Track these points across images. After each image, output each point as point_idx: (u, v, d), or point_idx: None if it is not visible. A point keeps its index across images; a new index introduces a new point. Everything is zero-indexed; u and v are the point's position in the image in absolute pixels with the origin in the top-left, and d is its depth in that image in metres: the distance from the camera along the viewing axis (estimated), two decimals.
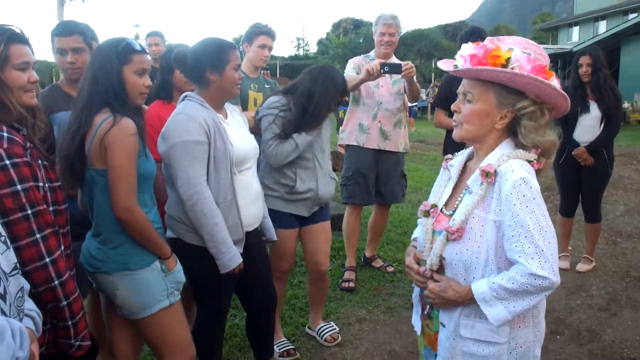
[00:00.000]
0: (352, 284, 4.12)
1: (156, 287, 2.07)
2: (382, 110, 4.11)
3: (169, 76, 2.83)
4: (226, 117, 2.46)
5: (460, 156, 1.82)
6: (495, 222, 1.55)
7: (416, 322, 1.87)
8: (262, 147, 2.88)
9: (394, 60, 4.20)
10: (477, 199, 1.59)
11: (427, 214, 1.77)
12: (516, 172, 1.53)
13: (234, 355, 3.15)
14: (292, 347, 3.16)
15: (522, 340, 1.62)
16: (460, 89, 1.68)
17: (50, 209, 1.71)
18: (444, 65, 1.69)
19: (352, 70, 4.15)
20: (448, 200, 1.76)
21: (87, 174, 2.00)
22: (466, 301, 1.59)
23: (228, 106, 2.55)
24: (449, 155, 1.87)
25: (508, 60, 1.54)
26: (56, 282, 1.65)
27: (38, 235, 1.62)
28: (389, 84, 4.14)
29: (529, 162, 1.59)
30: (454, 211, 1.69)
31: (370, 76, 3.71)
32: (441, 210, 1.76)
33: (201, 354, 2.45)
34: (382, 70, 3.69)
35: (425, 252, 1.73)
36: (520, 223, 1.49)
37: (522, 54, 1.55)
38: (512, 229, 1.51)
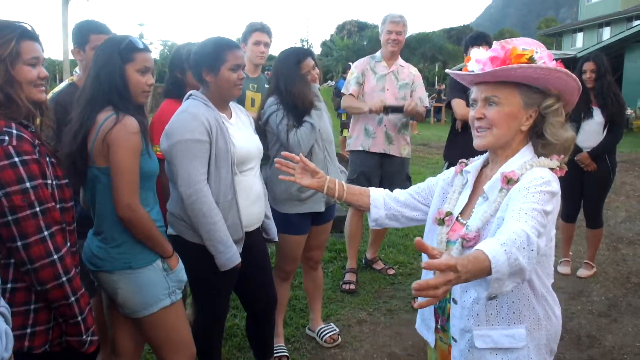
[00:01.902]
0: (352, 286, 4.12)
1: (158, 286, 2.07)
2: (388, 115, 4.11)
3: (181, 74, 2.79)
4: (230, 116, 2.46)
5: (476, 162, 1.74)
6: (498, 218, 1.48)
7: (430, 337, 1.79)
8: (277, 143, 2.92)
9: (400, 61, 4.25)
10: (495, 206, 1.52)
11: (441, 222, 1.67)
12: (537, 173, 1.49)
13: (234, 355, 3.15)
14: (286, 354, 3.13)
15: (535, 343, 1.56)
16: (476, 96, 1.60)
17: (58, 206, 1.71)
18: (458, 75, 1.62)
19: (354, 79, 4.19)
20: (464, 208, 1.67)
21: (89, 172, 2.00)
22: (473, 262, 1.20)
23: (234, 106, 2.55)
24: (464, 160, 1.78)
25: (531, 58, 1.48)
26: (64, 279, 1.65)
27: (46, 233, 1.62)
28: (395, 88, 4.16)
29: (552, 169, 1.55)
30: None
31: (372, 113, 4.01)
32: (457, 219, 1.66)
33: (201, 352, 2.45)
34: (385, 112, 3.99)
35: None
36: (517, 206, 1.39)
37: (541, 52, 1.51)
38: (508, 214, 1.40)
